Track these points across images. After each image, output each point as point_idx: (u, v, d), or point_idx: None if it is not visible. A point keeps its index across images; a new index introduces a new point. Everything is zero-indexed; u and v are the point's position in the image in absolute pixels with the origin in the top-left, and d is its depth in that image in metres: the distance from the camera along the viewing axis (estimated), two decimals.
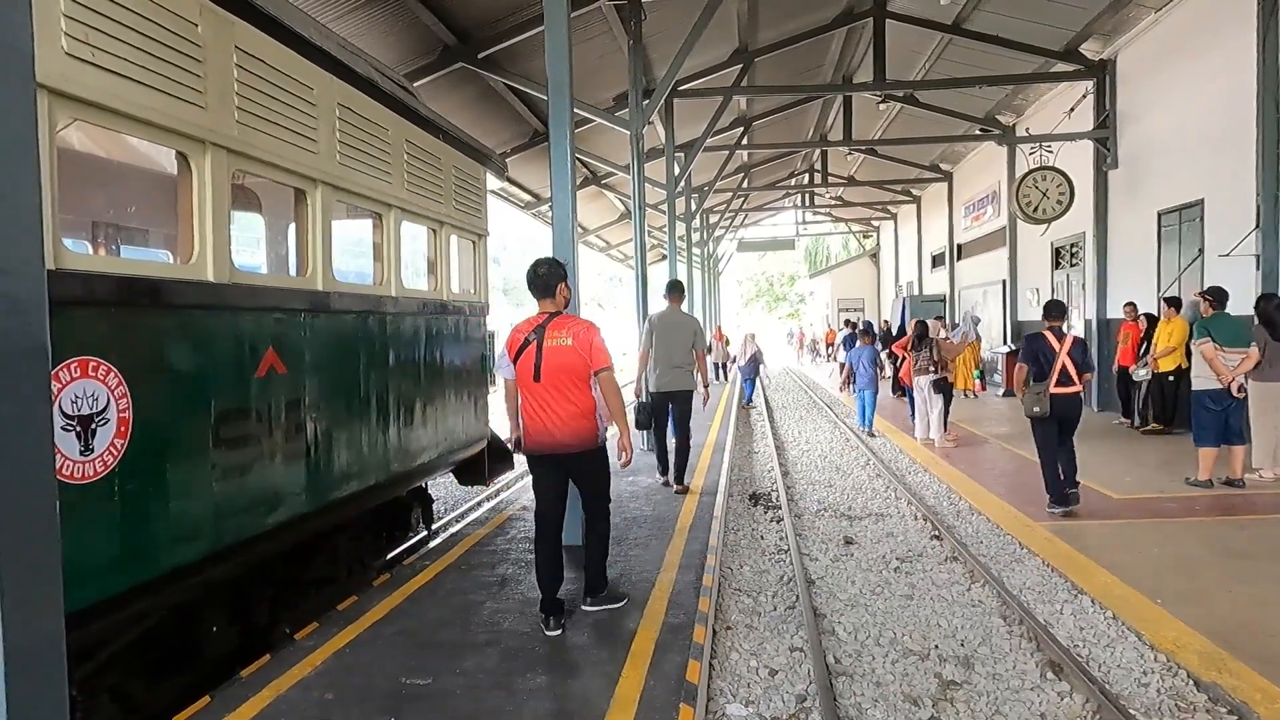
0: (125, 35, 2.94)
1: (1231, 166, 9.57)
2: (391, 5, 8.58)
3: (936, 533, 6.71)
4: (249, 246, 5.72)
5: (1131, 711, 3.60)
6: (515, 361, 4.06)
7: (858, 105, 16.67)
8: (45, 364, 1.45)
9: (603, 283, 58.99)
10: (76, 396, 2.73)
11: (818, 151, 22.55)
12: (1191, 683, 3.83)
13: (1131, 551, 5.67)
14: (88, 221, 4.99)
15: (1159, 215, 11.53)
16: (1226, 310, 7.38)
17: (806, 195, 28.99)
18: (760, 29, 13.19)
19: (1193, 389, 7.45)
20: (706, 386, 7.85)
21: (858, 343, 12.83)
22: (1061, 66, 13.09)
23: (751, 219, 36.33)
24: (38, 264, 1.42)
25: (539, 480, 4.20)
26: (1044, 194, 13.31)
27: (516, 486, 8.30)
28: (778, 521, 7.39)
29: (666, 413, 7.36)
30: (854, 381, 12.38)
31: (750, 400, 17.73)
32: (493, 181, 7.59)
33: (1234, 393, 7.10)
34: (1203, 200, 10.38)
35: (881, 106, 16.41)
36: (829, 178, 23.45)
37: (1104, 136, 12.85)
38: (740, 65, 13.65)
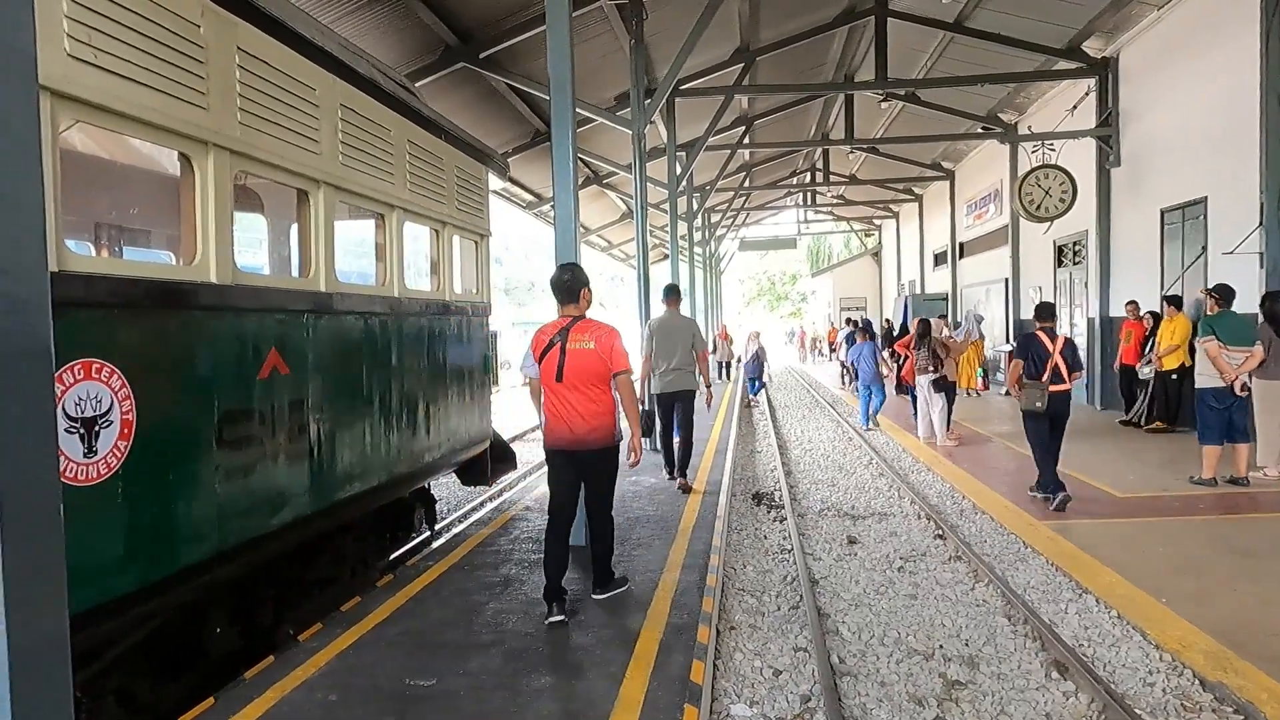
0: (127, 36, 2.94)
1: (1235, 164, 9.54)
2: (393, 5, 8.58)
3: (940, 532, 6.70)
4: (251, 247, 5.72)
5: (1137, 711, 3.59)
6: (540, 362, 4.24)
7: (859, 104, 16.65)
8: (49, 366, 1.45)
9: (604, 282, 59.00)
10: (80, 398, 2.72)
11: (819, 150, 22.54)
12: (1197, 682, 3.82)
13: (1135, 550, 5.66)
14: (89, 223, 4.99)
15: (1162, 213, 11.51)
16: (1232, 308, 7.37)
17: (808, 194, 28.99)
18: (762, 28, 13.19)
19: (1196, 387, 7.44)
20: (709, 386, 7.99)
21: (857, 340, 12.98)
22: (1064, 64, 13.07)
23: (753, 218, 36.33)
24: (41, 266, 1.41)
25: (556, 474, 4.34)
26: (1046, 192, 13.28)
27: (519, 487, 8.30)
28: (781, 521, 7.39)
29: (671, 414, 7.48)
30: (856, 378, 12.49)
31: (755, 395, 17.71)
32: (495, 181, 7.58)
33: (1237, 391, 7.09)
34: (1206, 198, 10.35)
35: (883, 105, 16.40)
36: (831, 176, 23.44)
37: (1107, 134, 12.83)
38: (742, 64, 13.65)
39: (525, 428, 15.39)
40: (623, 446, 4.39)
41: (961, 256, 21.90)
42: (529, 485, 8.01)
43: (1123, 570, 5.23)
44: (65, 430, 2.67)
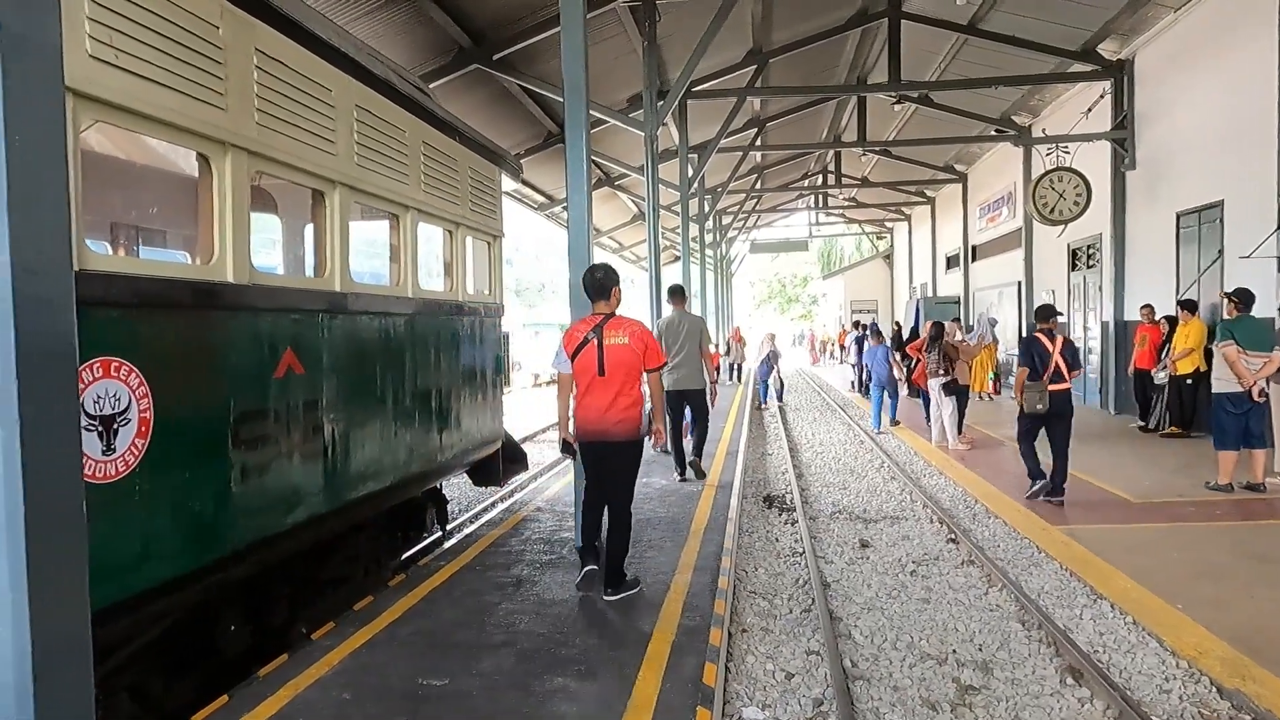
0: (148, 37, 2.96)
1: (1252, 167, 9.46)
2: (407, 7, 8.62)
3: (953, 536, 6.67)
4: (265, 247, 5.75)
5: (1154, 718, 3.56)
6: (573, 358, 4.39)
7: (872, 106, 16.61)
8: (73, 364, 1.46)
9: None
10: (99, 396, 2.74)
11: (831, 153, 22.49)
12: (1214, 690, 3.79)
13: (1151, 556, 5.61)
14: (106, 222, 5.03)
15: (1178, 216, 11.43)
16: (1251, 313, 7.30)
17: (820, 196, 28.92)
18: (774, 30, 13.17)
19: (1213, 392, 7.37)
20: (714, 384, 8.25)
21: (867, 344, 13.05)
22: (1079, 67, 12.99)
23: (764, 220, 36.28)
24: (65, 265, 1.43)
25: (587, 465, 4.57)
26: (1060, 195, 13.21)
27: (530, 488, 8.31)
28: (792, 524, 7.37)
29: (680, 411, 7.72)
30: (870, 380, 12.51)
31: (765, 402, 17.64)
32: (507, 183, 7.61)
33: (1255, 396, 7.02)
34: (1223, 201, 10.27)
35: (896, 107, 16.34)
36: (843, 179, 23.37)
37: (1122, 137, 12.75)
38: (754, 66, 13.63)
39: (536, 428, 15.42)
40: (645, 444, 4.58)
41: (974, 259, 21.80)
42: (540, 486, 8.01)
43: (1138, 576, 5.19)
44: (84, 428, 2.68)
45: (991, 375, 16.23)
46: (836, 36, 13.76)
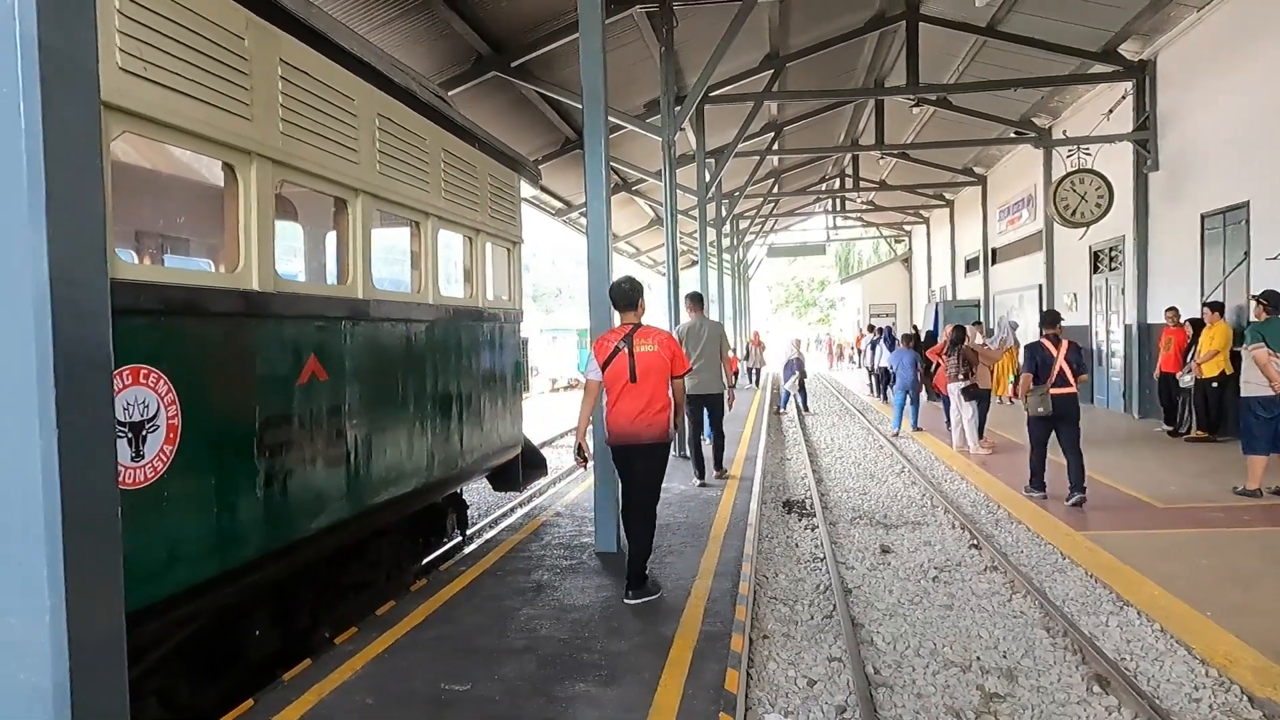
0: (175, 49, 3.01)
1: (1278, 168, 9.33)
2: (427, 16, 8.70)
3: (975, 541, 6.61)
4: (286, 255, 5.81)
5: None
6: (604, 367, 4.58)
7: (890, 109, 16.54)
8: (109, 371, 1.48)
9: None
10: (128, 403, 2.79)
11: (849, 156, 22.40)
12: (1245, 699, 3.72)
13: (1178, 562, 5.53)
14: (131, 231, 5.10)
15: (1202, 218, 11.28)
16: None
17: (837, 200, 28.82)
18: (792, 34, 13.15)
19: (1242, 395, 7.25)
20: (733, 388, 8.47)
21: (880, 347, 13.08)
22: (1099, 68, 12.87)
23: (782, 224, 36.18)
24: (102, 275, 1.45)
25: (621, 468, 4.75)
26: (1082, 197, 13.08)
27: (550, 493, 8.32)
28: (812, 529, 7.33)
29: (700, 415, 7.86)
30: (892, 383, 12.68)
31: (783, 408, 17.59)
32: (526, 189, 7.64)
33: None
34: (1248, 202, 10.13)
35: (914, 110, 16.26)
36: (860, 182, 23.27)
37: (1144, 138, 12.61)
38: (771, 70, 13.62)
39: (555, 433, 15.46)
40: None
41: (994, 262, 21.63)
42: (559, 491, 8.03)
43: (1165, 582, 5.12)
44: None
45: (1012, 379, 16.07)
46: (854, 40, 13.71)
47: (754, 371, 22.16)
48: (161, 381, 2.93)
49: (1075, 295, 16.07)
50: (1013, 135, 16.87)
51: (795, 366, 17.56)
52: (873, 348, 19.64)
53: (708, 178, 14.59)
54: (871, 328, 23.79)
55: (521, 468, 7.11)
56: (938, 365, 11.71)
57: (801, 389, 17.77)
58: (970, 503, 8.09)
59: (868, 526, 7.42)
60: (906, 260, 35.61)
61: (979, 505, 7.96)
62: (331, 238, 5.13)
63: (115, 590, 1.51)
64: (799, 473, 10.35)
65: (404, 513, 5.08)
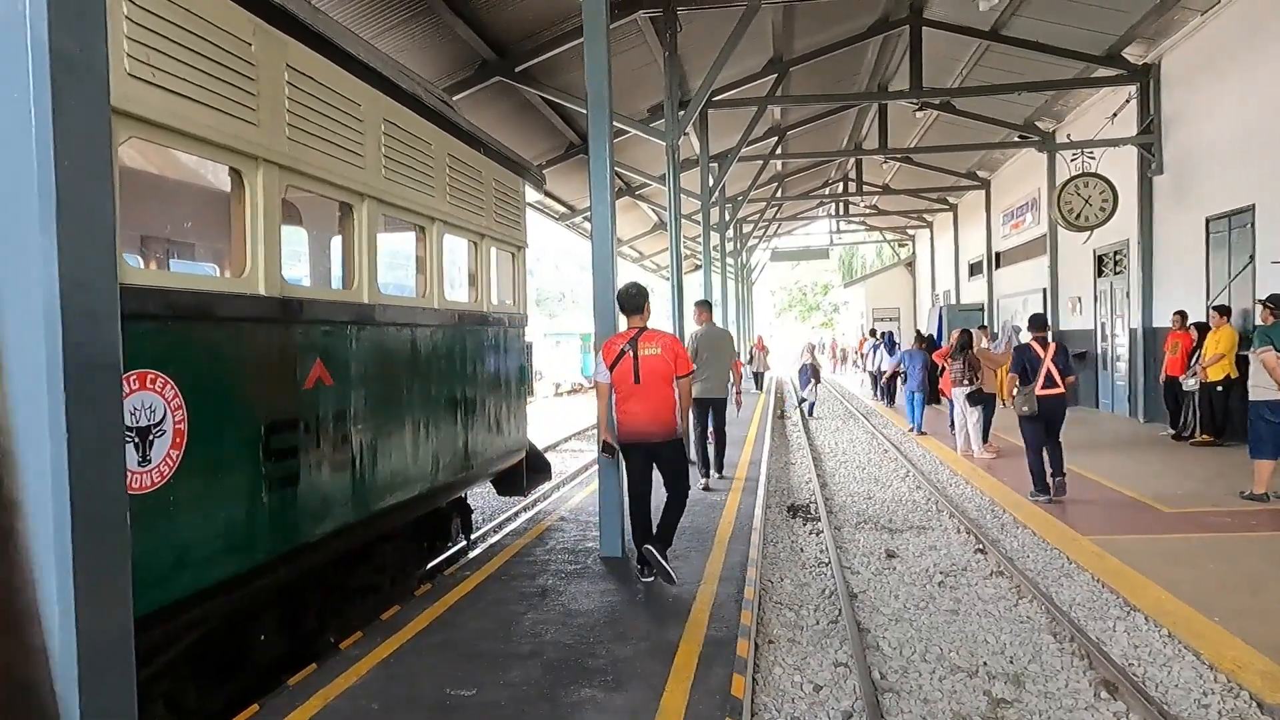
0: (182, 55, 3.02)
1: None
2: (432, 22, 8.72)
3: (980, 546, 6.58)
4: (290, 260, 5.82)
5: None
6: (612, 369, 4.86)
7: (893, 113, 16.54)
8: (118, 376, 1.49)
9: None
10: (135, 408, 2.79)
11: (852, 160, 22.41)
12: (1255, 705, 3.70)
13: (1186, 567, 5.51)
14: (136, 236, 5.12)
15: (1207, 221, 11.26)
16: None
17: (841, 204, 28.81)
18: (795, 38, 13.18)
19: (1250, 399, 7.22)
20: (740, 393, 8.67)
21: (880, 351, 13.34)
22: (1103, 71, 12.86)
23: (785, 228, 36.18)
24: (112, 280, 1.45)
25: (630, 463, 5.03)
26: (1086, 201, 13.07)
27: (554, 497, 8.32)
28: (817, 534, 7.32)
29: (705, 417, 8.11)
30: (904, 383, 13.40)
31: (811, 414, 17.58)
32: (530, 194, 7.66)
33: None
34: (1254, 206, 10.11)
35: (918, 114, 16.28)
36: (864, 186, 23.29)
37: (1148, 142, 12.60)
38: (775, 75, 13.63)
39: (559, 437, 15.46)
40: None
41: (998, 266, 21.60)
42: (564, 496, 8.02)
43: (1172, 587, 5.09)
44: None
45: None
46: (857, 44, 13.73)
47: (758, 376, 22.15)
48: (168, 386, 2.94)
49: (1080, 299, 16.04)
50: (1016, 139, 16.87)
51: (810, 372, 17.59)
52: (875, 351, 19.71)
53: (711, 182, 14.60)
54: (873, 332, 23.78)
55: (526, 472, 7.10)
56: (943, 369, 11.70)
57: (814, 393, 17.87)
58: (975, 507, 8.06)
59: (873, 531, 7.40)
60: (910, 264, 35.58)
61: (984, 509, 7.93)
62: (337, 242, 5.15)
63: (124, 594, 1.51)
64: (803, 477, 10.34)
65: (409, 517, 5.08)
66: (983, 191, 22.11)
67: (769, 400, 18.59)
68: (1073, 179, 13.18)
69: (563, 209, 17.89)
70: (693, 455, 8.10)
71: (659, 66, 11.16)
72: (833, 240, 37.78)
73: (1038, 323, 8.04)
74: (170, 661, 3.33)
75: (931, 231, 30.34)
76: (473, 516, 7.13)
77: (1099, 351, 15.20)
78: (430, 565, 6.28)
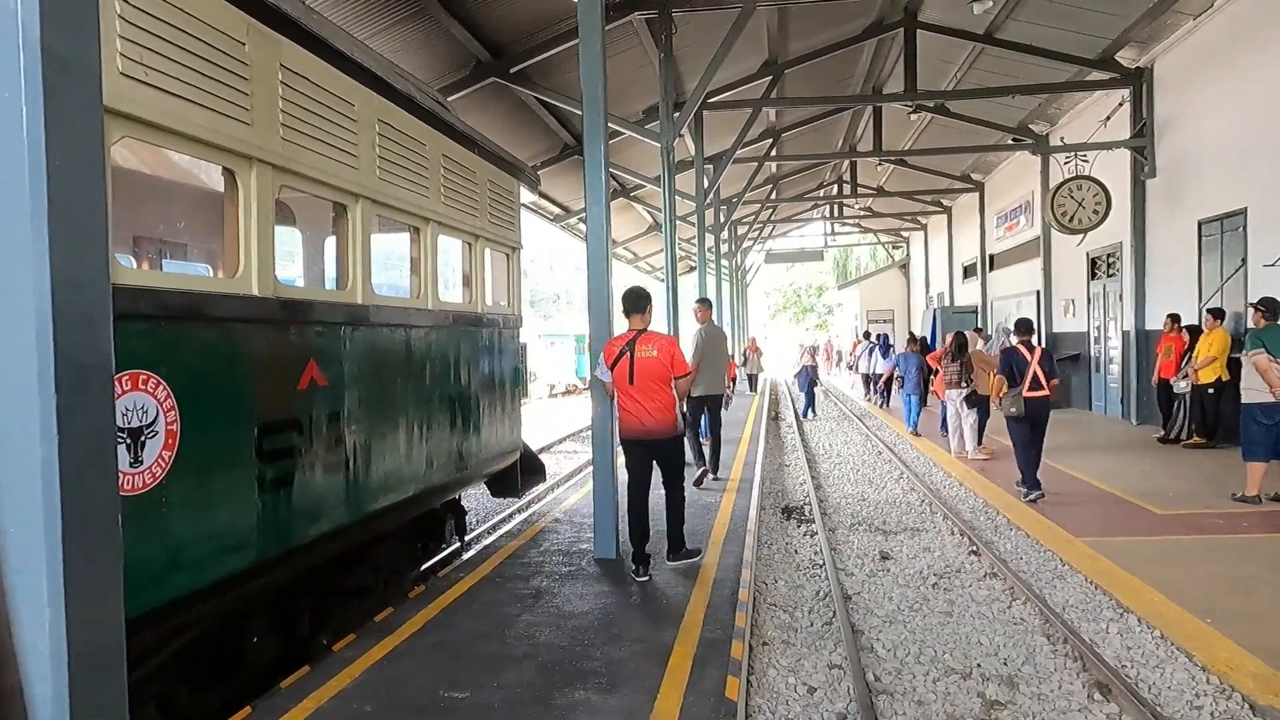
0: (176, 54, 3.00)
1: (1276, 174, 9.36)
2: (426, 22, 8.71)
3: (974, 548, 6.60)
4: (284, 261, 5.80)
5: None
6: (612, 369, 5.09)
7: (888, 116, 16.57)
8: (110, 376, 1.48)
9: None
10: (127, 409, 2.77)
11: (847, 162, 22.45)
12: (1247, 706, 3.71)
13: (1178, 569, 5.53)
14: (129, 236, 5.10)
15: (1199, 225, 11.31)
16: (1278, 322, 7.20)
17: (835, 206, 28.87)
18: (790, 41, 13.20)
19: (1243, 402, 7.26)
20: (731, 391, 8.96)
21: (874, 353, 13.42)
22: (1097, 75, 12.92)
23: (780, 230, 36.24)
24: (105, 279, 1.44)
25: (630, 460, 5.21)
26: (1079, 204, 13.11)
27: (548, 499, 8.30)
28: (811, 535, 7.32)
29: (700, 414, 8.33)
30: (901, 386, 13.58)
31: (813, 415, 17.61)
32: (525, 195, 7.65)
33: None
34: (1245, 209, 10.16)
35: (912, 117, 16.30)
36: (858, 189, 23.33)
37: (1141, 145, 12.65)
38: (770, 77, 13.65)
39: (553, 439, 15.44)
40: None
41: (992, 268, 21.67)
42: (558, 497, 8.01)
43: (1165, 589, 5.11)
44: None
45: None
46: (852, 46, 13.75)
47: (751, 378, 22.17)
48: (160, 387, 2.92)
49: (1073, 301, 16.10)
50: (1010, 142, 16.92)
51: (810, 374, 17.62)
52: (869, 354, 19.79)
53: (706, 183, 14.62)
54: (867, 335, 23.86)
55: (520, 473, 7.09)
56: (936, 371, 11.74)
57: (809, 396, 17.87)
58: (969, 509, 8.08)
59: (867, 533, 7.41)
60: (904, 266, 35.64)
61: (978, 511, 7.95)
62: (331, 243, 5.13)
63: (115, 596, 1.50)
64: (798, 478, 10.34)
65: (403, 519, 5.06)
66: (976, 194, 22.17)
67: (763, 401, 18.60)
68: (1066, 182, 13.22)
69: (558, 210, 17.88)
70: (688, 454, 8.12)
71: (654, 68, 11.17)
72: (827, 242, 37.82)
73: (1024, 327, 8.29)
74: (162, 664, 3.31)
75: (926, 234, 30.42)
76: (467, 518, 7.11)
77: (1092, 354, 15.26)
78: (424, 567, 6.26)
